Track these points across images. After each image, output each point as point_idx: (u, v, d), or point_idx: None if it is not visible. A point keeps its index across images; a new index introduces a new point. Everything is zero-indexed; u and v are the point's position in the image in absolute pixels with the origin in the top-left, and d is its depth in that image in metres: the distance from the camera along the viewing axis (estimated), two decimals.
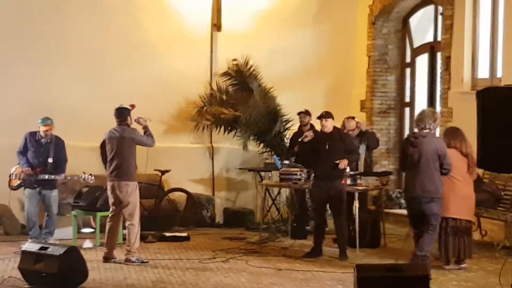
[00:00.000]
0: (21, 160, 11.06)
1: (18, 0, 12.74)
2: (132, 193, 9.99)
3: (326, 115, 10.53)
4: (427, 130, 9.46)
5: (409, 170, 9.52)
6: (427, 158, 9.35)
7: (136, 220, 10.04)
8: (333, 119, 10.57)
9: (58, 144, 11.10)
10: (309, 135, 10.60)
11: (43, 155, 10.99)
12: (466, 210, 9.64)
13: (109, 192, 10.13)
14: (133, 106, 10.33)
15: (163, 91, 13.46)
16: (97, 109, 12.59)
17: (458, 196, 9.54)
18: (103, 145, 10.37)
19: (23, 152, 11.08)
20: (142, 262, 9.95)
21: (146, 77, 13.44)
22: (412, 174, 9.46)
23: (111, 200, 10.13)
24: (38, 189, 10.99)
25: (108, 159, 10.08)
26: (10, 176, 11.12)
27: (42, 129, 11.00)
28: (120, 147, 9.97)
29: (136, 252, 10.04)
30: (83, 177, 11.04)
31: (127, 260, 9.93)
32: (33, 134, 11.09)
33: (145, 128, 10.28)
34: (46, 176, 10.90)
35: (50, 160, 10.99)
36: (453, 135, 9.65)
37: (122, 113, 10.10)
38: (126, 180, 9.96)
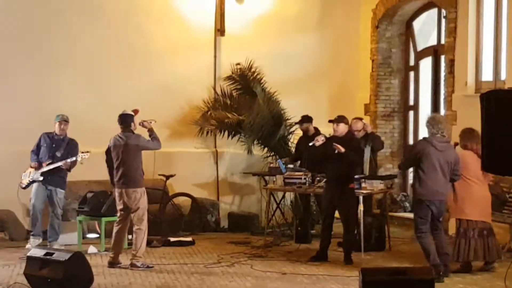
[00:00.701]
0: (32, 158, 11.22)
1: (20, 8, 12.73)
2: (140, 199, 10.02)
3: (337, 120, 10.50)
4: (447, 137, 9.51)
5: (431, 173, 9.35)
6: (448, 164, 9.38)
7: (144, 225, 10.06)
8: (346, 123, 10.52)
9: (70, 143, 11.26)
10: (320, 139, 10.52)
11: (53, 150, 11.13)
12: (485, 212, 9.63)
13: (117, 199, 10.15)
14: (136, 111, 10.34)
15: (167, 96, 13.47)
16: (101, 116, 12.61)
17: (476, 198, 9.54)
18: (108, 152, 10.38)
19: (35, 150, 11.26)
20: (147, 267, 9.95)
21: (150, 82, 13.45)
22: (434, 177, 9.36)
23: (119, 206, 10.15)
24: (45, 185, 11.06)
25: (115, 167, 10.10)
26: (22, 175, 11.21)
27: (57, 124, 11.19)
28: (125, 155, 9.99)
29: (141, 257, 10.04)
30: (80, 155, 11.13)
31: (132, 265, 9.94)
32: (48, 133, 11.31)
33: (150, 131, 10.29)
34: (52, 166, 10.99)
35: (58, 154, 11.10)
36: (469, 136, 9.61)
37: (125, 120, 10.12)
38: (134, 186, 9.98)
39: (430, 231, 9.51)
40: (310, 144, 10.62)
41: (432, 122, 9.44)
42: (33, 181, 11.15)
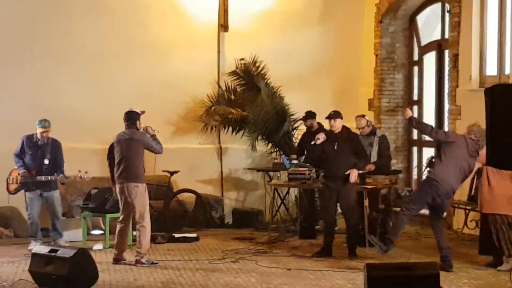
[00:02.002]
0: (17, 162, 11.04)
1: (21, 3, 12.75)
2: (141, 194, 10.01)
3: (334, 115, 10.52)
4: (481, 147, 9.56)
5: (450, 164, 9.46)
6: (467, 168, 9.59)
7: (147, 221, 10.05)
8: (341, 118, 10.55)
9: (54, 146, 11.07)
10: (321, 137, 10.51)
11: (40, 157, 10.97)
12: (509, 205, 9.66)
13: (118, 195, 10.14)
14: (143, 112, 10.33)
15: (171, 92, 13.47)
16: (102, 111, 12.63)
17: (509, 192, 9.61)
18: (111, 149, 10.37)
19: (19, 154, 11.06)
20: (152, 263, 9.96)
21: (153, 78, 13.45)
22: (452, 169, 9.46)
23: (121, 202, 10.14)
24: (38, 191, 10.97)
25: (116, 162, 10.09)
26: (7, 180, 11.07)
27: (39, 130, 10.98)
28: (129, 149, 9.99)
29: (146, 253, 10.04)
30: (79, 175, 11.05)
31: (137, 262, 9.95)
32: (30, 137, 11.07)
33: (153, 137, 10.29)
34: (43, 178, 10.88)
35: (46, 161, 10.96)
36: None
37: (131, 117, 10.11)
38: (135, 181, 9.97)
39: (431, 224, 9.71)
40: (312, 143, 10.62)
41: (476, 132, 9.51)
42: (21, 189, 10.99)
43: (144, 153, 10.17)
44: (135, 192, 9.97)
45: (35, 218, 11.02)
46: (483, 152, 9.31)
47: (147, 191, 10.14)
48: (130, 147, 9.99)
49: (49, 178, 10.88)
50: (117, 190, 10.13)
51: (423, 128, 10.10)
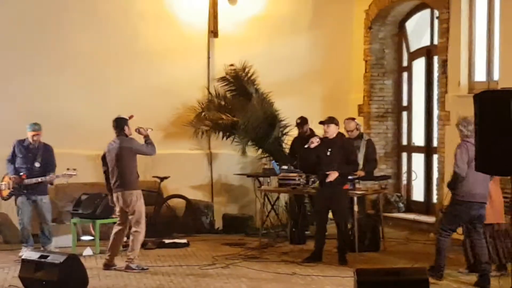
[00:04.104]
0: (8, 168, 11.01)
1: (17, 10, 12.75)
2: (137, 201, 10.02)
3: (328, 121, 10.52)
4: None
5: (474, 175, 8.74)
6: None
7: (142, 227, 10.06)
8: (336, 124, 10.54)
9: (46, 150, 11.02)
10: (315, 141, 10.53)
11: (30, 160, 10.93)
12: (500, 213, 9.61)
13: (115, 203, 10.15)
14: (131, 116, 10.33)
15: (161, 97, 13.47)
16: (95, 117, 12.61)
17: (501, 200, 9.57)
18: (103, 158, 10.36)
19: (11, 160, 11.03)
20: (142, 269, 9.96)
21: (144, 84, 13.46)
22: (477, 178, 8.95)
23: (117, 209, 10.16)
24: (28, 196, 10.91)
25: (110, 171, 10.10)
26: (1, 186, 11.04)
27: (29, 134, 10.94)
28: (119, 158, 9.99)
29: (136, 259, 10.05)
30: (67, 173, 10.93)
31: (128, 267, 9.95)
32: (21, 141, 11.04)
33: (146, 137, 10.29)
34: (33, 180, 10.83)
35: (37, 164, 10.90)
36: None
37: (119, 124, 10.11)
38: (129, 189, 9.99)
39: (466, 235, 9.40)
40: (306, 146, 10.63)
41: (465, 124, 9.23)
42: (13, 194, 10.95)
43: (136, 159, 10.16)
44: (130, 199, 9.98)
45: (26, 224, 10.98)
46: None
47: (142, 197, 10.13)
48: (121, 155, 10.00)
49: (39, 179, 10.82)
50: (114, 198, 10.14)
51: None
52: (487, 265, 9.15)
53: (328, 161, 10.38)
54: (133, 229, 10.04)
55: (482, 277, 9.06)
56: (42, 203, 10.98)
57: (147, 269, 10.00)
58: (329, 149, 10.42)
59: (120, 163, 9.98)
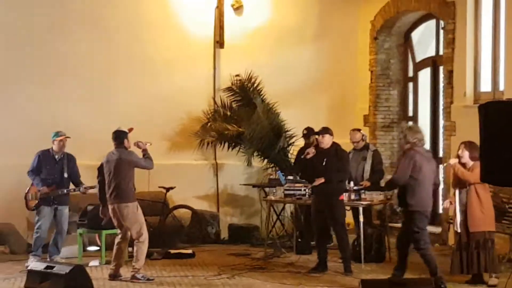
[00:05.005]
0: (34, 179, 11.04)
1: (20, 20, 12.81)
2: (133, 213, 10.00)
3: (322, 131, 10.58)
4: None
5: (425, 186, 9.35)
6: (434, 173, 9.47)
7: (144, 237, 10.06)
8: (330, 134, 10.57)
9: (70, 160, 11.17)
10: (311, 152, 10.59)
11: (58, 171, 11.04)
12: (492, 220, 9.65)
13: (111, 216, 10.16)
14: (131, 129, 10.34)
15: (167, 108, 13.52)
16: (99, 127, 12.62)
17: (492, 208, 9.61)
18: (100, 169, 10.36)
19: (35, 171, 11.07)
20: (148, 279, 9.96)
21: (149, 94, 13.51)
22: (427, 189, 9.38)
23: (115, 222, 10.16)
24: (52, 206, 10.98)
25: (107, 182, 10.10)
26: (26, 197, 11.07)
27: (57, 140, 11.02)
28: (117, 170, 9.98)
29: (140, 268, 10.05)
30: (92, 185, 10.99)
31: (133, 278, 9.95)
32: (45, 152, 11.12)
33: (144, 151, 10.28)
34: (65, 191, 10.95)
35: (65, 175, 11.04)
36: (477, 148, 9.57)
37: (118, 136, 10.11)
38: (126, 201, 9.98)
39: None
40: (302, 157, 10.69)
41: (411, 133, 9.38)
42: (41, 205, 10.99)
43: (133, 172, 10.14)
44: (126, 212, 9.97)
45: (43, 233, 11.03)
46: (473, 170, 9.33)
47: (139, 208, 10.12)
48: (118, 168, 9.99)
49: (73, 190, 10.94)
50: (110, 211, 10.15)
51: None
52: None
53: (323, 171, 10.40)
54: (136, 240, 10.04)
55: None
56: (63, 213, 11.04)
57: (152, 279, 10.00)
58: (324, 159, 10.45)
59: (118, 175, 9.97)
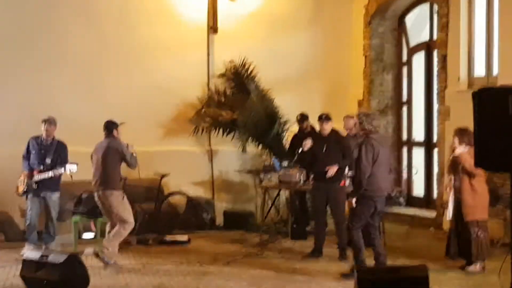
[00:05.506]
0: (23, 165, 11.08)
1: (10, 8, 12.74)
2: (117, 201, 9.98)
3: (327, 118, 10.58)
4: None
5: (381, 171, 9.31)
6: (388, 158, 9.60)
7: (127, 226, 9.99)
8: (331, 121, 10.62)
9: (59, 146, 11.09)
10: (308, 143, 10.63)
11: (43, 156, 11.00)
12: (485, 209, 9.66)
13: (99, 204, 10.16)
14: (121, 124, 10.37)
15: (161, 95, 13.47)
16: (95, 114, 12.53)
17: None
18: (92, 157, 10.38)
19: (25, 156, 11.10)
20: (113, 263, 9.85)
21: (143, 81, 13.47)
22: (383, 174, 9.36)
23: (102, 211, 10.18)
24: (38, 192, 10.95)
25: (93, 169, 10.12)
26: (18, 182, 11.09)
27: (42, 126, 11.00)
28: (104, 157, 10.02)
29: (111, 253, 9.94)
30: (68, 168, 10.89)
31: (98, 256, 9.88)
32: (35, 138, 11.12)
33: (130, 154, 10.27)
34: (42, 175, 10.87)
35: (48, 160, 10.95)
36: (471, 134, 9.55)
37: (108, 126, 10.16)
38: (111, 189, 9.97)
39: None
40: (299, 150, 10.70)
41: (369, 120, 9.33)
42: (28, 190, 11.01)
43: (120, 162, 10.15)
44: (111, 199, 9.97)
45: (33, 220, 11.03)
46: (466, 154, 9.34)
47: (124, 197, 10.07)
48: (106, 155, 10.02)
49: (47, 174, 10.86)
50: (96, 198, 10.16)
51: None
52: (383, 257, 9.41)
53: (324, 157, 10.44)
54: (118, 227, 9.99)
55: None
56: (51, 199, 11.02)
57: (120, 267, 9.88)
58: (325, 145, 10.48)
59: (105, 162, 10.00)
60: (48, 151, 11.03)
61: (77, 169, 10.85)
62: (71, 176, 11.01)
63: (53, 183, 11.04)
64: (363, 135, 9.34)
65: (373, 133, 9.28)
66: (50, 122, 11.05)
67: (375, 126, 9.35)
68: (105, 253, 9.93)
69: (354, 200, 9.28)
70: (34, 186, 10.93)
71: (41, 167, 10.94)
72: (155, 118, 13.43)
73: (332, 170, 10.40)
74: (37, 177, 10.90)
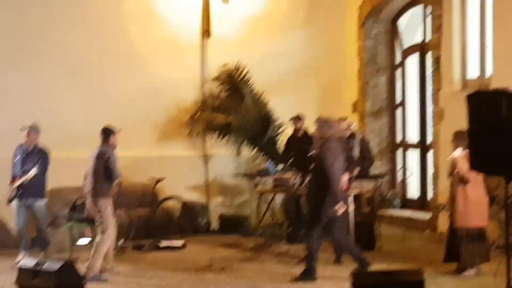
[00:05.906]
0: (11, 171, 11.03)
1: (6, 11, 12.71)
2: (104, 210, 9.84)
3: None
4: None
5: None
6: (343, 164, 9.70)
7: (107, 237, 9.81)
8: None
9: (41, 153, 10.97)
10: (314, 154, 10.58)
11: (25, 163, 10.90)
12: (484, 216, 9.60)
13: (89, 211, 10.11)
14: (118, 131, 10.31)
15: (155, 99, 13.45)
16: (88, 119, 12.57)
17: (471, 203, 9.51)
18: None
19: (13, 163, 11.06)
20: (98, 279, 9.63)
21: (137, 85, 13.43)
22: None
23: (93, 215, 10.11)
24: (23, 199, 10.87)
25: (84, 175, 10.07)
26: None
27: (25, 133, 10.94)
28: (94, 165, 9.89)
29: (95, 269, 9.71)
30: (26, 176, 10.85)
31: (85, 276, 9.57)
32: (21, 145, 11.05)
33: None
34: (20, 181, 10.78)
35: (28, 167, 10.83)
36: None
37: (103, 133, 10.03)
38: (98, 196, 9.87)
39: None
40: (309, 155, 10.65)
41: (327, 126, 9.51)
42: (13, 197, 10.93)
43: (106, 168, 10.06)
44: (98, 206, 9.86)
45: (20, 227, 10.98)
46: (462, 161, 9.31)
47: (110, 206, 9.91)
48: (96, 163, 9.92)
49: (22, 179, 10.76)
50: (86, 205, 10.11)
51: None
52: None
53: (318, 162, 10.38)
54: (98, 237, 9.84)
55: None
56: (36, 207, 10.96)
57: (105, 280, 9.69)
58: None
59: (96, 168, 9.90)
60: (30, 157, 10.97)
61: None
62: None
63: (37, 190, 10.93)
64: (323, 140, 9.42)
65: (332, 139, 9.38)
66: (31, 129, 10.97)
67: (334, 132, 9.52)
68: (88, 273, 9.65)
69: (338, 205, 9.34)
70: (14, 192, 10.86)
71: (23, 174, 10.87)
72: (150, 123, 13.41)
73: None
74: (17, 184, 10.85)
